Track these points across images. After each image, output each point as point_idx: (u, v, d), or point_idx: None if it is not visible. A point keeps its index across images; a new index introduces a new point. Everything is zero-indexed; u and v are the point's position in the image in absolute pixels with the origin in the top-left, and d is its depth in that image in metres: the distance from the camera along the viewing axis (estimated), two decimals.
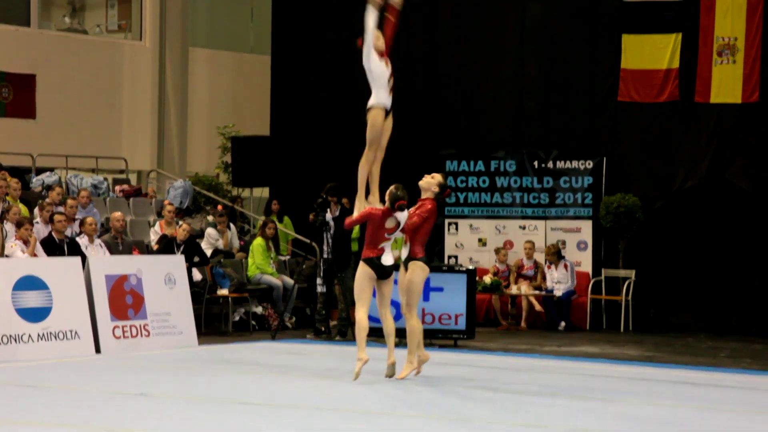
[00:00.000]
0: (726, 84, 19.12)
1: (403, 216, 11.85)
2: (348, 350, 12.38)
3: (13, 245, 14.83)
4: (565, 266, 19.20)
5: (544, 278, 19.37)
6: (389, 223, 11.84)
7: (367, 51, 12.01)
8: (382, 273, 11.80)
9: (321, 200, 16.73)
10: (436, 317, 15.94)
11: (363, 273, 11.83)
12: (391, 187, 11.88)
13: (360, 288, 11.85)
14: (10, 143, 20.80)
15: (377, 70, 12.01)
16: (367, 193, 12.25)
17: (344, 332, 16.68)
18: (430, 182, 12.18)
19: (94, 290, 14.39)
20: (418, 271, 12.00)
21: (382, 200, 12.02)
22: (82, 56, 22.89)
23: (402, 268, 12.12)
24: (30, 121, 21.98)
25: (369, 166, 12.07)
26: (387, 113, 12.09)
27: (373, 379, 11.80)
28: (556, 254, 19.21)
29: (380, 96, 12.04)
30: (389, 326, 11.86)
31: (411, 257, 12.02)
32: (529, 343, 16.82)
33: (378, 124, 12.00)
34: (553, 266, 19.22)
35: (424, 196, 12.19)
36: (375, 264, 11.78)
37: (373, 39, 11.99)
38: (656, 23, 19.58)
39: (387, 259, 11.78)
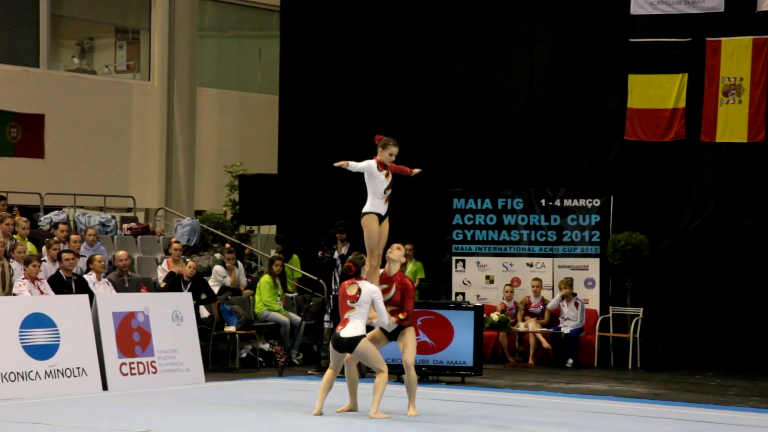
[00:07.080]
0: (732, 123, 19.16)
1: (365, 285, 11.82)
2: None
3: (21, 284, 14.84)
4: (576, 304, 19.16)
5: (552, 316, 19.33)
6: (351, 290, 11.86)
7: (367, 164, 12.07)
8: (338, 346, 11.87)
9: (328, 237, 16.78)
10: (444, 354, 15.93)
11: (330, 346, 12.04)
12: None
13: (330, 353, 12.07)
14: (18, 182, 20.86)
15: (376, 180, 12.08)
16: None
17: None
18: (399, 255, 12.20)
19: (101, 327, 14.42)
20: (413, 337, 12.10)
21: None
22: (90, 96, 23.00)
23: (379, 333, 12.18)
24: (38, 161, 22.05)
25: (374, 272, 12.11)
26: (381, 218, 12.17)
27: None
28: (570, 287, 19.16)
29: (374, 204, 12.16)
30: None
31: (401, 327, 12.10)
32: (536, 380, 16.78)
33: (372, 231, 12.10)
34: (565, 301, 19.15)
35: (394, 269, 12.15)
36: (334, 337, 11.92)
37: (384, 151, 12.07)
38: (662, 63, 19.64)
39: (346, 331, 11.78)
